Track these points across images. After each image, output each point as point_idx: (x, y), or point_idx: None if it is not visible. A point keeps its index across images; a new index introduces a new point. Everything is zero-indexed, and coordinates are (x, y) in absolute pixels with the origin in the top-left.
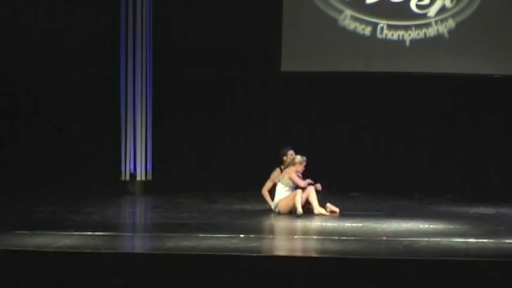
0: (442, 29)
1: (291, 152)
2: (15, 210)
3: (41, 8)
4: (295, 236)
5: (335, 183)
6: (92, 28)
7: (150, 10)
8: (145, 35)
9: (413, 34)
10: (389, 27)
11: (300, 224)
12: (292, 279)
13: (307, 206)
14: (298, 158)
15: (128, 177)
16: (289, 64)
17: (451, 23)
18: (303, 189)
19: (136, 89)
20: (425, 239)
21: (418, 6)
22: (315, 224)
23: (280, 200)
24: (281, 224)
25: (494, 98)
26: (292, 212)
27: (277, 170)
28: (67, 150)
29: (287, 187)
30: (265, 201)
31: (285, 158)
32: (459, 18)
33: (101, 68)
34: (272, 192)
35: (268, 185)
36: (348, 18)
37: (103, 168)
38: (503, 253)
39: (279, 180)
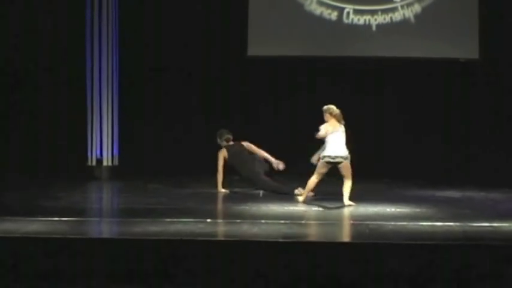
0: (408, 13)
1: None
2: None
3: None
4: (263, 221)
5: (304, 168)
6: (58, 16)
7: None
8: (111, 20)
9: (380, 19)
10: (356, 12)
11: (266, 208)
12: (259, 264)
13: None
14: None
15: (94, 163)
16: (255, 49)
17: (417, 8)
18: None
19: (102, 74)
20: (392, 222)
21: None
22: (282, 208)
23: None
24: (248, 208)
25: (459, 82)
26: None
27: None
28: (32, 136)
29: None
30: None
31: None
32: (425, 3)
33: (67, 53)
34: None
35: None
36: (314, 3)
37: (69, 153)
38: (469, 236)
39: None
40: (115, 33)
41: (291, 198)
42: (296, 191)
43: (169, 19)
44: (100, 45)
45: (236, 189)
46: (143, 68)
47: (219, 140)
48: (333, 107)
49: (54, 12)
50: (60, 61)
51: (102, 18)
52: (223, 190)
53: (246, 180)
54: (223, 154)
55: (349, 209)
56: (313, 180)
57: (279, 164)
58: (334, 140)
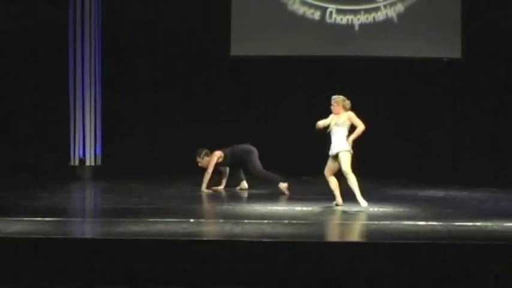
0: (391, 13)
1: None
2: None
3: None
4: (246, 221)
5: (286, 167)
6: (40, 12)
7: None
8: (94, 19)
9: (362, 18)
10: (338, 11)
11: (250, 208)
12: (243, 263)
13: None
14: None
15: (77, 163)
16: (238, 49)
17: (399, 7)
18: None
19: (85, 73)
20: (375, 222)
21: None
22: (266, 208)
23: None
24: (232, 208)
25: (441, 81)
26: None
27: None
28: (15, 135)
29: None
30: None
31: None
32: (408, 3)
33: (49, 51)
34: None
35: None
36: (297, 3)
37: (52, 153)
38: (452, 235)
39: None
40: (97, 33)
41: (274, 197)
42: (282, 184)
43: (151, 17)
44: (83, 45)
45: (220, 189)
46: (125, 67)
47: (198, 159)
48: (343, 98)
49: (37, 10)
50: (42, 61)
51: (84, 18)
52: (206, 190)
53: (236, 165)
54: (218, 155)
55: (332, 209)
56: (355, 180)
57: None
58: None
